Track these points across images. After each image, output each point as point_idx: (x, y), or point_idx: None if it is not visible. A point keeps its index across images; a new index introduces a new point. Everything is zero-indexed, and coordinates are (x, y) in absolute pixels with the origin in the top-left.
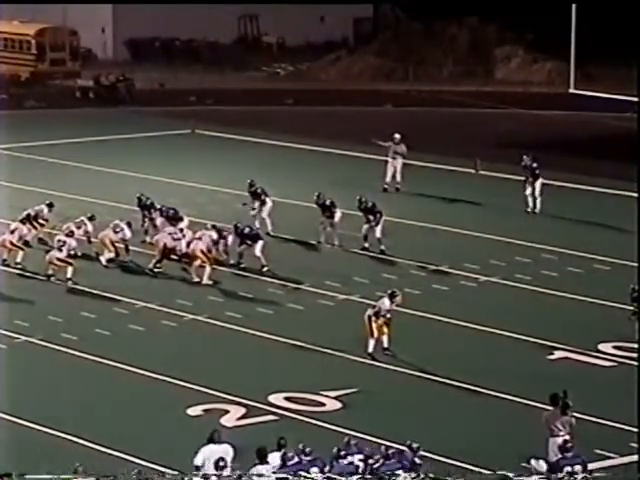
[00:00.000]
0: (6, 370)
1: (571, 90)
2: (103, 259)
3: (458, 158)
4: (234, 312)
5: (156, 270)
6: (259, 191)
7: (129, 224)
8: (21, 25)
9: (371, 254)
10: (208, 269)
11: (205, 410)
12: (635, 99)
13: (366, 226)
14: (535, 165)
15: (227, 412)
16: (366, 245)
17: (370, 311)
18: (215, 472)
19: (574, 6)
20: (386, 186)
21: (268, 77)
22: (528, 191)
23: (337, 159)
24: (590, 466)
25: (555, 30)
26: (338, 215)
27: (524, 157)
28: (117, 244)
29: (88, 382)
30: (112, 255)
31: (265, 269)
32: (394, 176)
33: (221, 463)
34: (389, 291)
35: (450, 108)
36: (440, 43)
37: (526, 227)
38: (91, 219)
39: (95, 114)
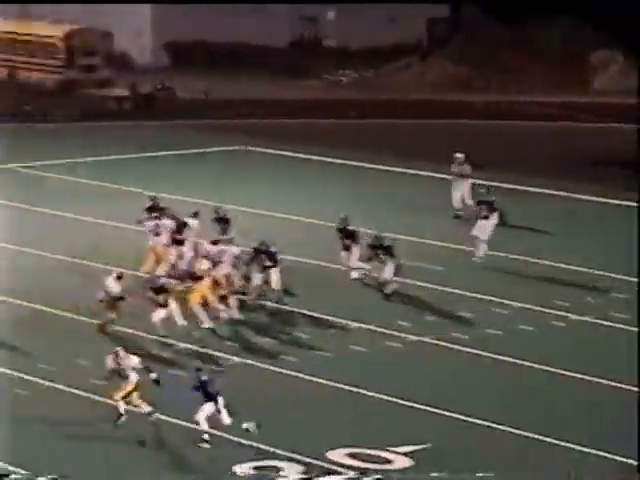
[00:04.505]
0: None
1: None
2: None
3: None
4: None
5: None
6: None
7: None
8: (47, 26)
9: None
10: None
11: None
12: None
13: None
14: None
15: None
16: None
17: None
18: None
19: None
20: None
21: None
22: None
23: (403, 179)
24: None
25: None
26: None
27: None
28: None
29: None
30: None
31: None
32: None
33: None
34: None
35: (535, 122)
36: (526, 48)
37: None
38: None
39: (131, 128)
